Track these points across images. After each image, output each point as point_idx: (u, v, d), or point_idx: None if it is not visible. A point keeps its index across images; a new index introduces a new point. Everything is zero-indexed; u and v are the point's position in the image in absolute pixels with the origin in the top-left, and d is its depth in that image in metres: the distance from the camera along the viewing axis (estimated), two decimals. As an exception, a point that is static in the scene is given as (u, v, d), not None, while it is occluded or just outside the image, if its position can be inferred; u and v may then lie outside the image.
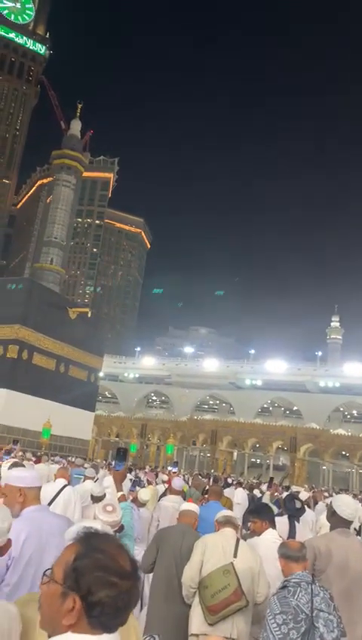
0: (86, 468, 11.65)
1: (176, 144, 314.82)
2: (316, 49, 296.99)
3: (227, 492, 11.34)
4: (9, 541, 1.83)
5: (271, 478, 17.64)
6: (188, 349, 79.74)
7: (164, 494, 8.56)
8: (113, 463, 3.57)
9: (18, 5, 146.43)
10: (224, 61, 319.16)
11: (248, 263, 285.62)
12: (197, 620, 3.68)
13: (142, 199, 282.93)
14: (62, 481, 6.68)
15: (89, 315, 36.52)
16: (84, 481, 8.97)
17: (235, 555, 3.77)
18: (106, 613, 1.17)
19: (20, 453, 13.78)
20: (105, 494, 6.99)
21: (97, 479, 10.03)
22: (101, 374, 42.16)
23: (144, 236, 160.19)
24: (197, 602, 3.74)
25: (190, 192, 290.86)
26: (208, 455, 52.14)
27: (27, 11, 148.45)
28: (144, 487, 9.17)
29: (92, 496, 7.24)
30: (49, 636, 1.22)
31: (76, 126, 78.67)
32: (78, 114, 79.64)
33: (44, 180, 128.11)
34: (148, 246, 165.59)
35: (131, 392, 67.66)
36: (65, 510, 6.31)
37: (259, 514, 4.63)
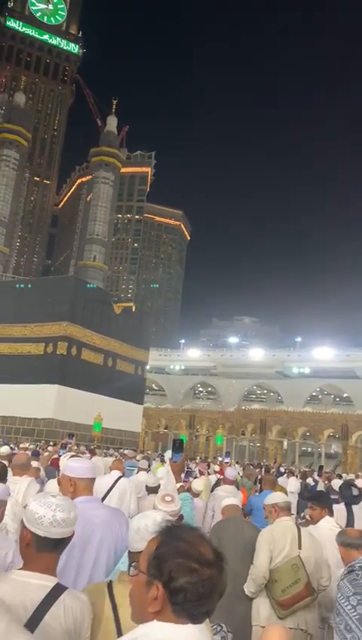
0: (138, 460, 11.82)
1: (212, 133, 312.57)
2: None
3: (280, 481, 11.28)
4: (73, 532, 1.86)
5: (321, 467, 17.41)
6: (233, 340, 79.44)
7: (217, 484, 8.59)
8: (170, 454, 3.55)
9: (50, 7, 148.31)
10: (264, 51, 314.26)
11: (292, 250, 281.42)
12: (265, 613, 3.67)
13: (180, 191, 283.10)
14: (117, 473, 6.78)
15: (133, 309, 36.95)
16: (137, 472, 9.10)
17: (300, 547, 3.73)
18: (189, 600, 1.18)
19: (75, 447, 14.12)
20: (159, 485, 7.07)
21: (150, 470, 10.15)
22: (147, 367, 42.57)
23: (184, 228, 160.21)
24: (264, 595, 3.72)
25: (229, 180, 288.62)
26: (258, 445, 51.92)
27: (59, 12, 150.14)
28: (196, 477, 9.22)
29: (147, 487, 7.33)
30: None
31: (112, 122, 79.20)
32: (114, 110, 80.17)
33: (84, 179, 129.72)
34: (188, 238, 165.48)
35: (178, 383, 68.03)
36: (121, 501, 6.41)
37: (318, 501, 4.56)
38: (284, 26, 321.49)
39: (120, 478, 6.76)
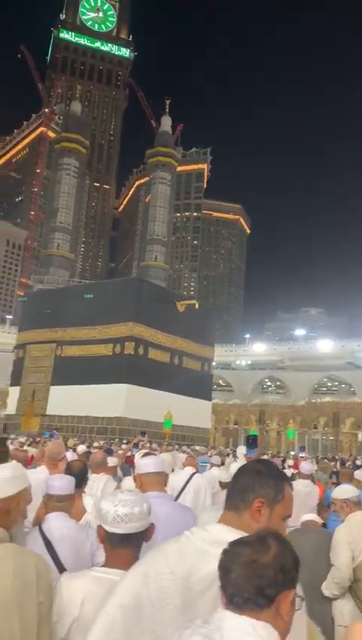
0: (210, 456, 11.86)
1: (270, 123, 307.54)
2: None
3: (357, 474, 10.96)
4: (152, 526, 1.88)
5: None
6: (300, 332, 77.93)
7: (292, 479, 8.48)
8: (243, 450, 3.53)
9: (100, 14, 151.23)
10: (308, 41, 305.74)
11: (358, 237, 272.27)
12: (349, 614, 3.55)
13: (238, 184, 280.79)
14: (190, 469, 6.84)
15: (196, 306, 37.01)
16: (210, 468, 9.14)
17: None
18: None
19: (148, 444, 14.37)
20: (233, 480, 7.08)
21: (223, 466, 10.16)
22: (213, 363, 42.59)
23: (243, 222, 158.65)
24: (346, 596, 3.62)
25: (288, 171, 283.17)
26: (331, 438, 50.65)
27: (109, 18, 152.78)
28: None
29: (220, 482, 7.35)
30: None
31: (166, 122, 79.72)
32: (167, 110, 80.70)
33: (141, 181, 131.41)
34: (248, 231, 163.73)
35: (245, 379, 67.61)
36: (196, 497, 6.46)
37: None
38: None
39: (194, 474, 6.81)
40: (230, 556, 1.23)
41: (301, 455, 11.79)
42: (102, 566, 1.84)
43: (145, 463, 3.03)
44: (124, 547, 1.79)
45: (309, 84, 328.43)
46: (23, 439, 16.75)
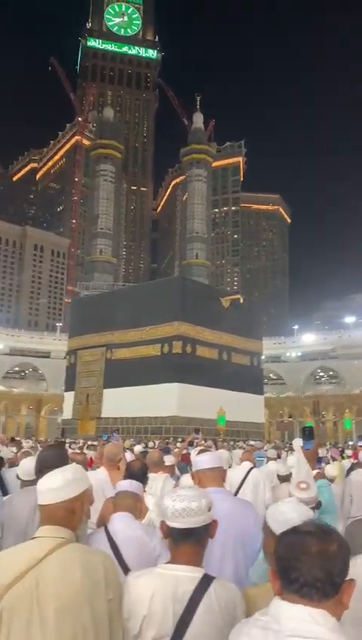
0: (266, 450, 11.79)
1: (298, 109, 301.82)
2: None
3: None
4: (214, 522, 1.89)
5: None
6: (350, 319, 76.12)
7: (351, 469, 8.32)
8: (300, 442, 3.47)
9: (125, 18, 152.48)
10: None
11: None
12: None
13: (275, 173, 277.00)
14: (247, 464, 6.83)
15: (241, 301, 36.75)
16: (267, 462, 9.08)
17: None
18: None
19: (203, 442, 14.42)
20: (290, 473, 7.01)
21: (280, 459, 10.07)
22: (263, 357, 42.22)
23: (283, 212, 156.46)
24: None
25: (326, 155, 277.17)
26: (390, 426, 49.33)
27: (134, 22, 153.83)
28: (329, 463, 9.00)
29: (278, 475, 7.30)
30: None
31: (198, 119, 79.47)
32: (198, 107, 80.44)
33: (178, 180, 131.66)
34: (289, 220, 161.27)
35: (296, 370, 66.64)
36: (255, 492, 6.44)
37: None
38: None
39: (251, 469, 6.80)
40: (297, 546, 1.24)
41: (360, 444, 11.53)
42: (168, 562, 1.87)
43: (201, 460, 3.04)
44: (186, 542, 1.81)
45: (339, 68, 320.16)
46: (80, 443, 17.15)
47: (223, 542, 2.67)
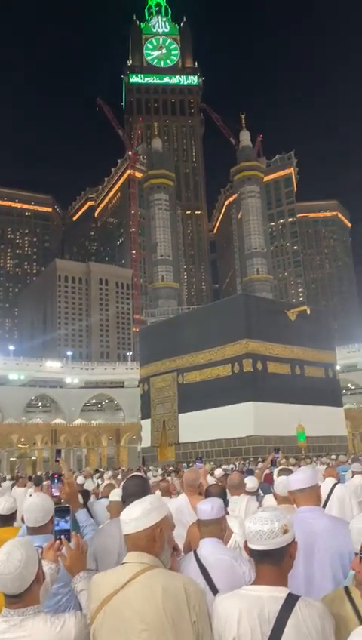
0: (350, 463, 11.41)
1: (342, 112, 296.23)
2: None
3: None
4: (294, 543, 1.91)
5: None
6: None
7: None
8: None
9: (164, 50, 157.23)
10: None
11: None
12: None
13: (330, 179, 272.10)
14: (331, 480, 6.68)
15: (308, 312, 35.89)
16: (352, 476, 8.80)
17: None
18: None
19: (284, 460, 14.16)
20: (378, 487, 6.76)
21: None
22: (338, 367, 40.97)
23: (341, 217, 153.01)
24: None
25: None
26: None
27: (173, 52, 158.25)
28: None
29: (365, 490, 7.06)
30: None
31: (245, 137, 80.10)
32: (244, 125, 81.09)
33: (231, 199, 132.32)
34: (349, 225, 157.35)
35: (376, 378, 64.11)
36: (342, 508, 6.27)
37: None
38: None
39: (336, 484, 6.63)
40: None
41: None
42: (252, 584, 1.91)
43: (292, 480, 3.05)
44: (265, 563, 1.86)
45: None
46: (159, 470, 17.31)
47: (322, 560, 2.68)
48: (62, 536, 2.32)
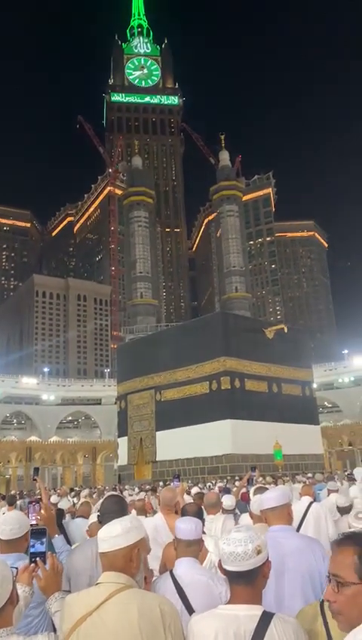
0: (325, 482, 11.47)
1: (320, 134, 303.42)
2: None
3: None
4: (267, 562, 1.93)
5: None
6: None
7: None
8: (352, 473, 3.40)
9: (145, 71, 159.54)
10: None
11: None
12: None
13: (307, 199, 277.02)
14: (307, 499, 6.70)
15: (286, 330, 36.21)
16: (328, 495, 8.85)
17: None
18: None
19: (261, 479, 14.16)
20: (351, 505, 6.82)
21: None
22: (314, 385, 41.32)
23: (319, 237, 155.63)
24: None
25: (357, 174, 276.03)
26: None
27: (153, 72, 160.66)
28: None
29: (338, 507, 7.11)
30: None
31: (225, 156, 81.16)
32: (223, 145, 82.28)
33: (210, 217, 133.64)
34: (326, 245, 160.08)
35: (352, 396, 64.70)
36: (317, 526, 6.29)
37: None
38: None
39: (311, 503, 6.66)
40: None
41: None
42: (227, 603, 1.92)
43: (264, 499, 3.07)
44: (239, 584, 1.87)
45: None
46: (136, 489, 17.14)
47: (292, 579, 2.70)
48: (38, 559, 2.26)
